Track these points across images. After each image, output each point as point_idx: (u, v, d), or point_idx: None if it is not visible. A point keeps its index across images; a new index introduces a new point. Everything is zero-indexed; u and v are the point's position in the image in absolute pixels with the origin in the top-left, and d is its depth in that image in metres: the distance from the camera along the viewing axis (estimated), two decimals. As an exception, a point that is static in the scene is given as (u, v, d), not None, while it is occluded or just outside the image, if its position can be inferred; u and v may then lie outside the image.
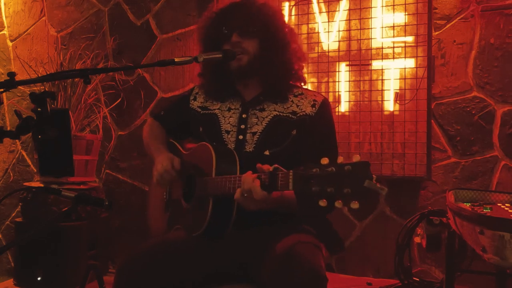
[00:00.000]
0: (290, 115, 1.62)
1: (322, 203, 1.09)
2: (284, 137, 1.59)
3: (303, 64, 1.73)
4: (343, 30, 2.85)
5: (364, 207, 2.80)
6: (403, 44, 2.72)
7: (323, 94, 2.83)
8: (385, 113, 2.75)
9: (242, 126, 1.63)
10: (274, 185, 1.25)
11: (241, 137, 1.61)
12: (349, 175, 1.06)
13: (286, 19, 2.91)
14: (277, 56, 1.62)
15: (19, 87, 1.22)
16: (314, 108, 1.62)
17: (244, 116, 1.65)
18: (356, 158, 1.08)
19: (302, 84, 1.73)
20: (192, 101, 1.79)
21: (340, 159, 1.10)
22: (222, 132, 1.65)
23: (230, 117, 1.67)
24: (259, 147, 1.58)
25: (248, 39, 1.61)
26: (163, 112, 1.90)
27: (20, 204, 3.12)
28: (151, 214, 1.90)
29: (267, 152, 1.56)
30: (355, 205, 1.05)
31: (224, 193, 1.43)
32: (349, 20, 2.84)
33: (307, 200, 1.19)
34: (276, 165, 1.28)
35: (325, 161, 1.12)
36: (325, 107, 1.65)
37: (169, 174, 1.59)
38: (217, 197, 1.47)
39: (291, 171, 1.20)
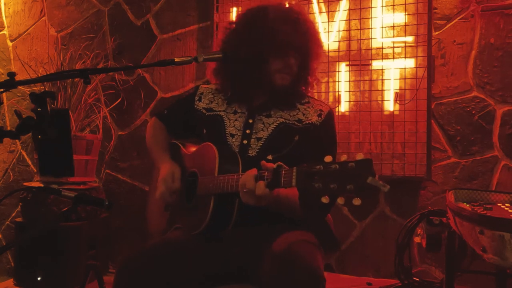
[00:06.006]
0: (296, 123, 1.63)
1: (325, 199, 1.10)
2: (287, 142, 1.60)
3: (316, 78, 1.75)
4: (343, 30, 2.85)
5: (364, 207, 2.81)
6: (403, 44, 2.72)
7: (323, 94, 2.86)
8: (385, 113, 2.75)
9: (248, 131, 1.63)
10: (277, 182, 1.26)
11: (245, 141, 1.62)
12: (353, 172, 1.07)
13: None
14: (307, 73, 1.67)
15: (19, 87, 1.22)
16: (320, 118, 1.64)
17: (250, 121, 1.65)
18: (359, 156, 1.09)
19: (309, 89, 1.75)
20: (197, 101, 1.77)
21: (344, 157, 1.11)
22: (227, 135, 1.64)
23: (236, 120, 1.66)
24: (262, 152, 1.59)
25: (297, 59, 1.64)
26: (166, 111, 1.88)
27: (20, 204, 3.12)
28: (150, 213, 1.90)
29: (269, 157, 1.56)
30: (357, 201, 1.06)
31: (226, 191, 1.43)
32: (349, 20, 2.84)
33: (309, 198, 1.19)
34: (279, 163, 1.30)
35: (328, 158, 1.13)
36: (330, 118, 1.67)
37: (170, 193, 1.64)
38: (219, 195, 1.47)
39: (294, 168, 1.21)
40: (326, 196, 1.10)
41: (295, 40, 1.59)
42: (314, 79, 1.72)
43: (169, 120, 1.86)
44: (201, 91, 1.79)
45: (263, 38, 1.59)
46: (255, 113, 1.66)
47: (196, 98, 1.78)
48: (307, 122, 1.63)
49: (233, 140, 1.63)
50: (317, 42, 1.69)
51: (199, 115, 1.74)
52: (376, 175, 1.05)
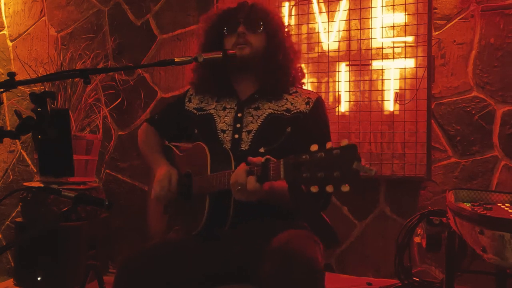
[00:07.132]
0: (285, 113, 1.64)
1: (314, 189, 1.10)
2: (279, 134, 1.61)
3: (301, 68, 1.76)
4: (343, 30, 2.85)
5: (364, 206, 2.81)
6: (403, 44, 2.72)
7: (323, 94, 2.86)
8: (385, 113, 2.75)
9: (238, 125, 1.64)
10: (266, 175, 1.26)
11: (236, 136, 1.62)
12: (338, 159, 1.07)
13: (286, 19, 2.92)
14: (279, 55, 1.65)
15: (19, 87, 1.21)
16: (308, 106, 1.65)
17: (239, 115, 1.66)
18: (344, 142, 1.09)
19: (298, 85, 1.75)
20: (187, 103, 1.79)
21: (329, 145, 1.11)
22: (218, 131, 1.66)
23: (226, 116, 1.68)
24: (254, 145, 1.59)
25: (253, 32, 1.64)
26: (157, 116, 1.91)
27: (20, 204, 3.12)
28: (150, 216, 1.90)
29: (262, 150, 1.57)
30: (346, 188, 1.06)
31: (220, 189, 1.43)
32: (349, 20, 2.84)
33: (299, 189, 1.19)
34: (267, 156, 1.30)
35: (314, 147, 1.13)
36: (319, 105, 1.67)
37: (166, 195, 1.63)
38: (214, 194, 1.47)
39: (281, 160, 1.21)
40: (316, 186, 1.10)
41: (241, 11, 1.66)
42: (294, 60, 1.70)
43: (160, 123, 1.87)
44: (191, 93, 1.81)
45: (217, 22, 1.71)
46: (243, 107, 1.67)
47: (186, 99, 1.80)
48: (295, 111, 1.63)
49: (225, 135, 1.64)
50: (275, 18, 1.70)
51: (190, 115, 1.76)
52: (362, 159, 1.05)
